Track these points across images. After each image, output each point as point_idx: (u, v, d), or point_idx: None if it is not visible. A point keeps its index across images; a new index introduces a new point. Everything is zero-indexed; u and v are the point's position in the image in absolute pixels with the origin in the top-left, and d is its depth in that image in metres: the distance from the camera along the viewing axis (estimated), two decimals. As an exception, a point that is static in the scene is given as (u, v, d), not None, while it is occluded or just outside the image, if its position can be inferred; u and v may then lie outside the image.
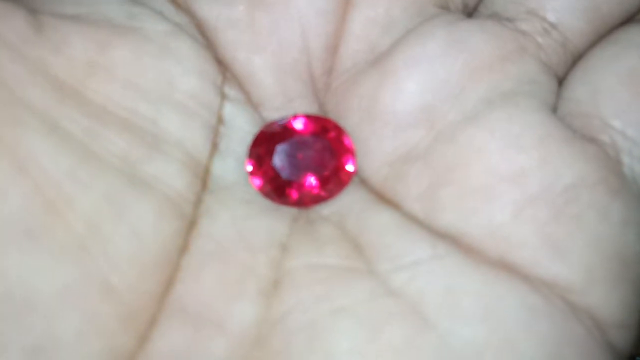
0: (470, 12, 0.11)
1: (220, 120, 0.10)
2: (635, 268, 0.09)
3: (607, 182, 0.09)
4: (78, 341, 0.08)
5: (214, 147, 0.10)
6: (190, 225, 0.09)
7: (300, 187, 0.10)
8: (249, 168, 0.10)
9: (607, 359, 0.08)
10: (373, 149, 0.10)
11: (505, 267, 0.08)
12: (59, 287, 0.08)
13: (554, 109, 0.10)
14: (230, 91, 0.10)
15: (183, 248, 0.09)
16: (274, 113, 0.10)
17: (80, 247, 0.08)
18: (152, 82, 0.09)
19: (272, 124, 0.10)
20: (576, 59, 0.10)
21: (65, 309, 0.08)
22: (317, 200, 0.10)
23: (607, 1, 0.10)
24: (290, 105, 0.10)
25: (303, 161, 0.10)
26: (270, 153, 0.10)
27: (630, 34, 0.10)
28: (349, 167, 0.10)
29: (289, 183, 0.10)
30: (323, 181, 0.10)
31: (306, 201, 0.10)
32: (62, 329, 0.07)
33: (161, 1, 0.10)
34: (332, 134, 0.10)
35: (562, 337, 0.08)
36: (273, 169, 0.10)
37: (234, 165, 0.10)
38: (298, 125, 0.10)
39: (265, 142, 0.10)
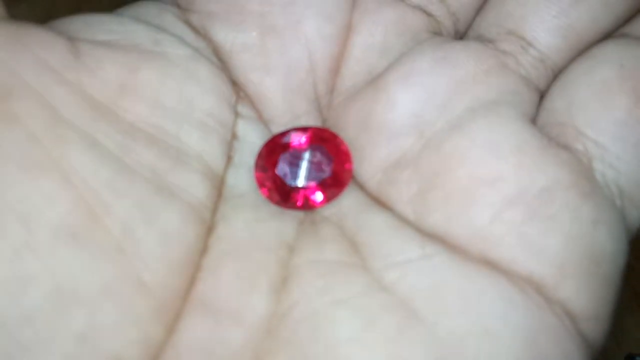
0: (461, 37, 0.11)
1: (234, 135, 0.10)
2: (605, 264, 0.09)
3: (579, 186, 0.09)
4: (116, 330, 0.08)
5: (229, 160, 0.10)
6: (209, 229, 0.09)
7: (304, 192, 0.10)
8: (257, 178, 0.10)
9: (579, 348, 0.09)
10: (368, 156, 0.10)
11: (486, 264, 0.09)
12: (99, 283, 0.08)
13: (534, 119, 0.10)
14: (243, 109, 0.11)
15: (203, 250, 0.09)
16: (282, 129, 0.11)
17: (117, 249, 0.08)
18: (175, 102, 0.10)
19: (274, 137, 0.10)
20: (557, 73, 0.11)
21: (105, 302, 0.08)
22: (320, 203, 0.10)
23: (581, 20, 0.10)
24: (297, 121, 0.11)
25: (305, 169, 0.10)
26: (274, 164, 0.10)
27: (604, 49, 0.10)
28: (347, 171, 0.10)
29: (293, 189, 0.10)
30: (324, 185, 0.10)
31: (310, 205, 0.10)
32: (103, 319, 0.08)
33: (182, 28, 0.11)
34: (329, 142, 0.10)
35: (537, 326, 0.09)
36: (278, 177, 0.10)
37: (246, 176, 0.10)
38: (298, 136, 0.10)
39: (270, 154, 0.10)
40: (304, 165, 0.10)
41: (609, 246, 0.09)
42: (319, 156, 0.10)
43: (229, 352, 0.08)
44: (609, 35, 0.11)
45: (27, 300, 0.08)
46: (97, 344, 0.08)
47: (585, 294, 0.09)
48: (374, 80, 0.11)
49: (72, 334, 0.08)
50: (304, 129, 0.10)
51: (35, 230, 0.08)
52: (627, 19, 0.11)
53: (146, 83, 0.10)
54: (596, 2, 0.10)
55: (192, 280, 0.09)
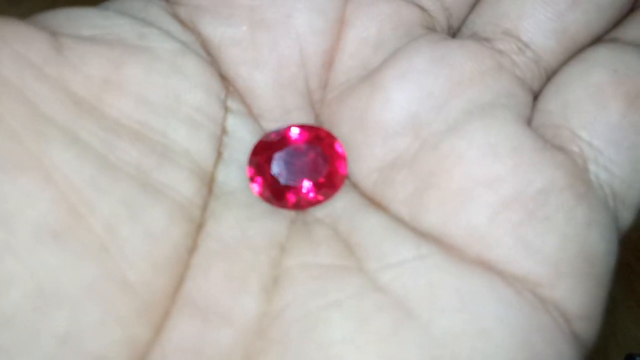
0: (454, 33, 0.11)
1: (224, 131, 0.10)
2: (598, 265, 0.09)
3: (573, 187, 0.09)
4: (100, 331, 0.08)
5: (219, 156, 0.10)
6: (198, 227, 0.09)
7: (297, 191, 0.10)
8: (250, 175, 0.10)
9: (572, 347, 0.09)
10: (363, 155, 0.10)
11: (482, 265, 0.09)
12: (82, 283, 0.08)
13: (529, 120, 0.10)
14: (233, 104, 0.11)
15: (192, 248, 0.09)
16: (273, 124, 0.11)
17: (101, 247, 0.08)
18: (162, 97, 0.10)
19: (269, 134, 0.10)
20: (550, 75, 0.11)
21: (89, 303, 0.08)
22: (313, 203, 0.10)
23: (575, 23, 0.11)
24: (288, 116, 0.11)
25: (299, 167, 0.10)
26: (268, 161, 0.10)
27: (597, 53, 0.10)
28: (341, 172, 0.10)
29: (286, 188, 0.10)
30: (318, 185, 0.10)
31: (302, 204, 0.10)
32: (86, 319, 0.08)
33: (169, 21, 0.11)
34: (325, 142, 0.10)
35: (531, 326, 0.09)
36: (272, 175, 0.10)
37: (237, 173, 0.10)
38: (293, 134, 0.10)
39: (264, 151, 0.10)
40: (298, 164, 0.10)
41: (602, 247, 0.09)
42: (314, 155, 0.10)
43: (218, 352, 0.08)
44: (599, 38, 0.11)
45: (7, 301, 0.08)
46: (79, 345, 0.08)
47: (579, 293, 0.09)
48: (370, 77, 0.11)
49: (53, 336, 0.08)
50: (300, 127, 0.10)
51: (15, 229, 0.08)
52: (616, 23, 0.11)
53: (131, 78, 0.10)
54: (591, 6, 0.11)
55: (180, 279, 0.09)
